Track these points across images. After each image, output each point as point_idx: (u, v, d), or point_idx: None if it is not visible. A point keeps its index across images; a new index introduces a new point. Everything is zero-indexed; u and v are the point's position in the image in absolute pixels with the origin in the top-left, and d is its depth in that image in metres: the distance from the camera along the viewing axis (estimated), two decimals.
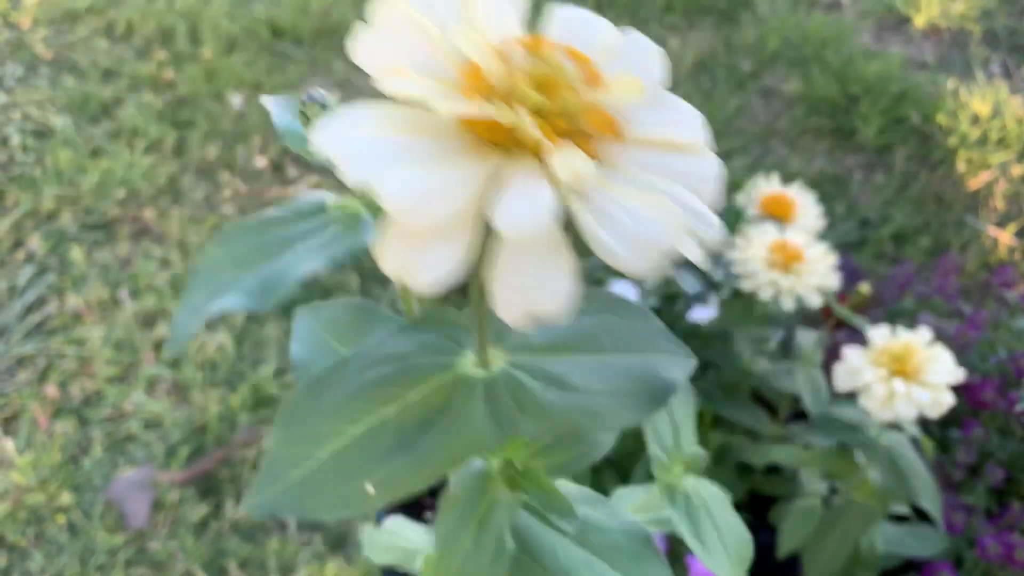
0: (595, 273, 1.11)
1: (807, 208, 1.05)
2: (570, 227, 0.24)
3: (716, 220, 0.26)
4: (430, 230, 0.23)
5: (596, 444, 0.41)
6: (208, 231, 1.56)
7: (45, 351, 1.37)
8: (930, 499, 0.88)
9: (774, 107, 1.93)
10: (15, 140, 1.68)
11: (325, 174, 1.68)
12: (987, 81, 1.99)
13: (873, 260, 1.59)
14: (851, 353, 0.86)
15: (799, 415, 1.10)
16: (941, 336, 1.13)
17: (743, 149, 1.81)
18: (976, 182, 1.75)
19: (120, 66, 1.87)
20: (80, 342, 1.38)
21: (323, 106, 0.36)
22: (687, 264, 1.13)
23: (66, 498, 1.20)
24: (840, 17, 2.19)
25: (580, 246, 0.24)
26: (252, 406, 1.32)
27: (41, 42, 1.91)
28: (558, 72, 0.25)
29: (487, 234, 0.24)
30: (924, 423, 1.06)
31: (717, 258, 1.05)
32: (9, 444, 1.26)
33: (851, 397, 0.91)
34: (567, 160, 0.23)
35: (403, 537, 0.61)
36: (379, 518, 0.66)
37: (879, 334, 0.86)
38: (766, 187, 1.07)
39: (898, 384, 0.81)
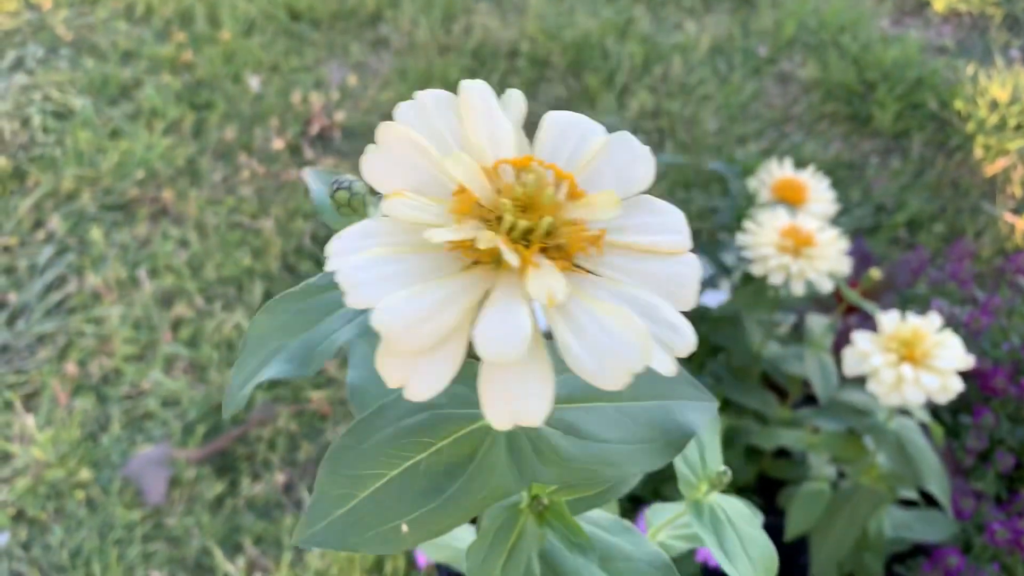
0: None
1: (820, 193, 1.05)
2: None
3: (689, 331, 0.27)
4: (421, 350, 0.25)
5: (620, 484, 0.43)
6: (226, 212, 1.57)
7: (65, 329, 1.39)
8: (938, 484, 0.89)
9: (790, 92, 1.93)
10: (36, 121, 1.70)
11: (341, 156, 1.69)
12: (1007, 66, 1.98)
13: (888, 245, 1.59)
14: (860, 338, 0.86)
15: (809, 399, 1.11)
16: (953, 322, 1.13)
17: (758, 134, 1.81)
18: (993, 168, 1.74)
19: (139, 48, 1.88)
20: (99, 321, 1.40)
21: (351, 192, 0.38)
22: (699, 247, 1.13)
23: (85, 474, 1.23)
24: (858, 1, 2.18)
25: None
26: (267, 385, 1.34)
27: (62, 23, 1.93)
28: (542, 191, 0.27)
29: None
30: (934, 409, 1.07)
31: (728, 243, 1.06)
32: (30, 420, 1.28)
33: (860, 382, 0.91)
34: (541, 281, 0.25)
35: (456, 537, 0.64)
36: None
37: (888, 319, 0.86)
38: (778, 171, 1.07)
39: (906, 369, 0.81)
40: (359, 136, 1.74)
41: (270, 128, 1.73)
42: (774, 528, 0.97)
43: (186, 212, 1.57)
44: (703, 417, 0.33)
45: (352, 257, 0.26)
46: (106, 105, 1.75)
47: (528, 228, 0.27)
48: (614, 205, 0.27)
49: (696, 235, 1.36)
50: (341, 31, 1.98)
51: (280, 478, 1.24)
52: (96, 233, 1.51)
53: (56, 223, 1.53)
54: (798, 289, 0.93)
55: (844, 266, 0.95)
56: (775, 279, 0.93)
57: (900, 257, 1.49)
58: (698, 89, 1.89)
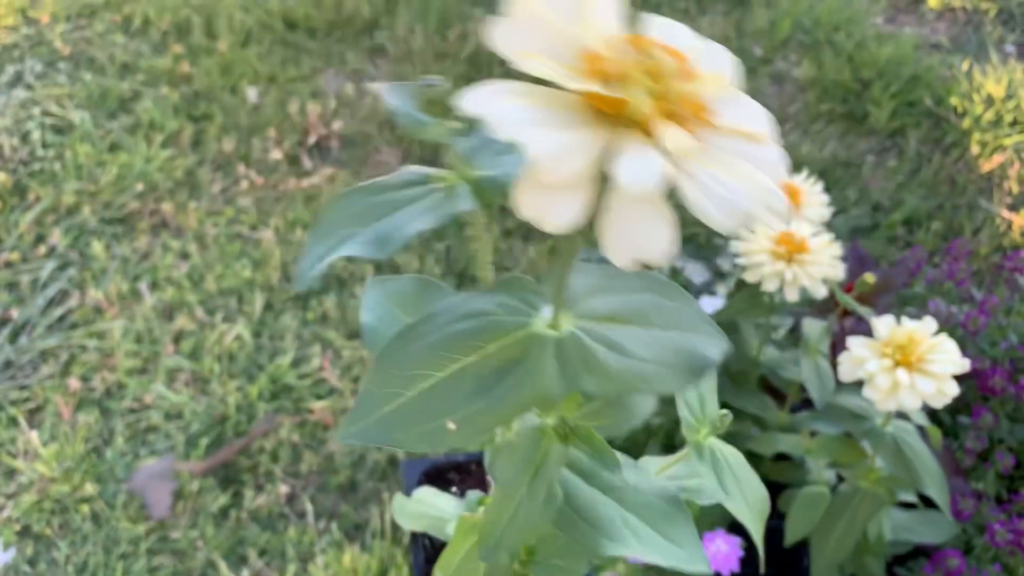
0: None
1: (813, 197, 1.06)
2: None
3: (783, 195, 0.30)
4: (560, 183, 0.28)
5: (636, 412, 0.46)
6: (225, 223, 1.58)
7: (67, 344, 1.40)
8: (936, 488, 0.89)
9: (786, 92, 1.93)
10: (35, 136, 1.71)
11: (340, 165, 1.70)
12: (1002, 62, 1.98)
13: (885, 245, 1.59)
14: (856, 343, 0.86)
15: (807, 403, 1.11)
16: (951, 322, 1.13)
17: None
18: (989, 165, 1.74)
19: (137, 60, 1.89)
20: (101, 335, 1.41)
21: (442, 88, 0.40)
22: (693, 254, 1.14)
23: (90, 488, 1.23)
24: None
25: None
26: (270, 396, 1.34)
27: (59, 38, 1.94)
28: (660, 63, 0.29)
29: (599, 193, 0.28)
30: (933, 409, 1.07)
31: (723, 248, 1.06)
32: (34, 436, 1.29)
33: (857, 385, 0.91)
34: (673, 135, 0.28)
35: (433, 506, 0.67)
36: (408, 490, 0.72)
37: (884, 324, 0.86)
38: None
39: (902, 375, 0.81)
40: (357, 145, 1.75)
41: (268, 139, 1.74)
42: (775, 532, 0.98)
43: (186, 224, 1.58)
44: (717, 352, 0.35)
45: (494, 99, 0.28)
46: (105, 118, 1.76)
47: (655, 91, 0.29)
48: (724, 83, 0.30)
49: (691, 240, 1.37)
50: (337, 40, 1.99)
51: (283, 489, 1.25)
52: (97, 247, 1.52)
53: (57, 238, 1.54)
54: (792, 296, 0.93)
55: (838, 271, 0.95)
56: (769, 286, 0.94)
57: (898, 257, 1.49)
58: None
